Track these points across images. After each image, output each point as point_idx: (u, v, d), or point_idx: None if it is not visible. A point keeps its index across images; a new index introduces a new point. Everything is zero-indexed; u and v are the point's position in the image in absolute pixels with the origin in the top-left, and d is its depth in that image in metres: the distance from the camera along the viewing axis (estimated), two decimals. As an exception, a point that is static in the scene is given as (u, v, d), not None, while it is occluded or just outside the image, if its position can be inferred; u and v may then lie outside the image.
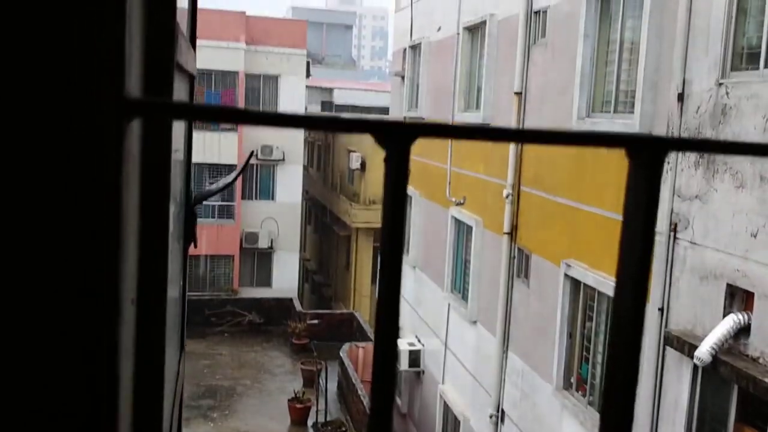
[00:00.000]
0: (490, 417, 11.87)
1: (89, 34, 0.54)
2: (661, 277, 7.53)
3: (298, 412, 18.72)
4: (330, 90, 39.72)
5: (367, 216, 26.56)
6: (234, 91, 27.65)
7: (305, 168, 31.61)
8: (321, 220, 32.88)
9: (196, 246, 1.95)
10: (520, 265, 11.25)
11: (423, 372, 15.64)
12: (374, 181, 26.50)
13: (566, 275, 9.63)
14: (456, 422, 13.50)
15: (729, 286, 6.65)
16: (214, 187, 3.45)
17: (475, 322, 12.92)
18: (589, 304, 9.34)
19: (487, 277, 12.37)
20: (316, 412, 18.53)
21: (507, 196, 11.37)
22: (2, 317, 0.56)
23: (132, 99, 0.59)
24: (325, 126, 0.55)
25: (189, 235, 1.93)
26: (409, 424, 16.63)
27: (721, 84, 6.87)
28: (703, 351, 6.46)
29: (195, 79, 1.83)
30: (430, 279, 15.35)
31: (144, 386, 0.98)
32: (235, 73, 27.51)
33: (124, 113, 0.57)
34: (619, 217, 0.58)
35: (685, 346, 6.93)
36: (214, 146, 26.50)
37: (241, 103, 27.21)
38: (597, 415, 8.97)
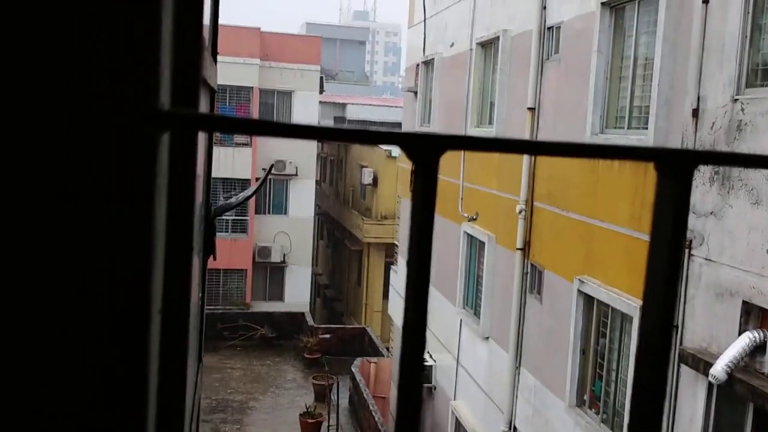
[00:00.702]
0: (503, 434, 11.79)
1: (126, 46, 0.55)
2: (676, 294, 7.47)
3: (310, 426, 18.65)
4: (343, 105, 39.86)
5: (378, 231, 26.56)
6: (248, 107, 27.82)
7: (318, 183, 31.70)
8: (333, 234, 32.91)
9: (215, 258, 1.97)
10: (532, 281, 11.20)
11: (435, 388, 15.57)
12: (386, 197, 26.51)
13: (579, 291, 9.58)
14: (468, 439, 13.42)
15: (745, 303, 6.60)
16: (233, 200, 3.47)
17: (487, 338, 12.86)
18: (603, 320, 9.28)
19: (500, 293, 12.32)
20: (328, 427, 18.46)
21: (520, 212, 11.35)
22: (38, 325, 0.57)
23: (165, 111, 0.60)
24: (354, 138, 0.56)
25: (208, 248, 1.95)
26: (420, 441, 16.52)
27: (736, 100, 6.85)
28: (719, 369, 6.40)
29: (215, 93, 1.86)
30: (442, 294, 15.31)
31: (167, 397, 0.99)
32: (249, 89, 27.68)
33: (158, 125, 0.58)
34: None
35: (701, 364, 6.87)
36: (228, 161, 26.64)
37: (254, 118, 27.32)
38: (611, 433, 8.89)
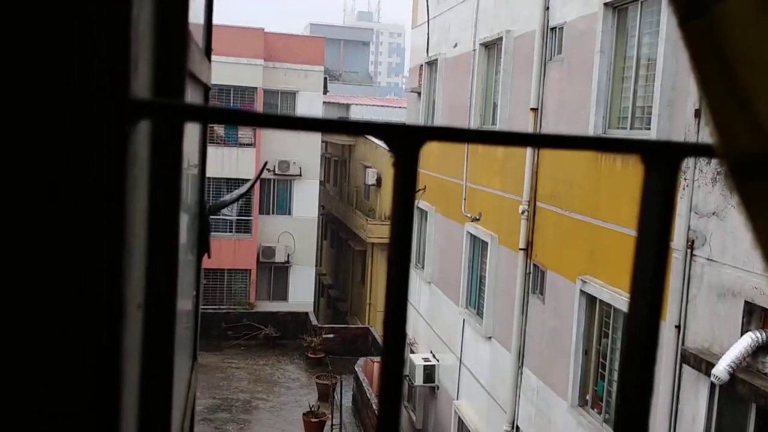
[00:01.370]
0: (505, 434, 11.78)
1: (91, 32, 0.55)
2: (678, 295, 7.46)
3: (313, 426, 18.67)
4: (347, 106, 39.89)
5: (382, 231, 26.55)
6: (252, 107, 27.83)
7: (322, 183, 31.71)
8: (337, 235, 32.92)
9: (210, 257, 1.96)
10: (535, 282, 11.19)
11: (438, 387, 15.56)
12: (390, 197, 26.42)
13: (582, 291, 9.57)
14: (471, 439, 13.42)
15: (747, 303, 6.58)
16: (228, 197, 3.47)
17: (490, 338, 12.85)
18: (605, 320, 9.27)
19: (503, 293, 12.32)
20: (331, 426, 18.47)
21: (523, 212, 11.34)
22: (3, 318, 0.57)
23: (137, 100, 0.60)
24: (332, 128, 0.55)
25: (203, 246, 1.95)
26: (423, 441, 16.53)
27: (738, 100, 6.82)
28: (721, 369, 6.39)
29: (210, 91, 1.86)
30: (445, 295, 15.31)
31: (151, 391, 0.99)
32: (253, 89, 27.71)
33: (128, 114, 0.58)
34: (635, 233, 0.57)
35: (703, 364, 6.85)
36: (233, 161, 26.68)
37: (258, 118, 27.33)
38: (613, 434, 8.87)
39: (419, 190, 15.61)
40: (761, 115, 0.50)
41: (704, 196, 7.26)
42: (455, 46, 15.24)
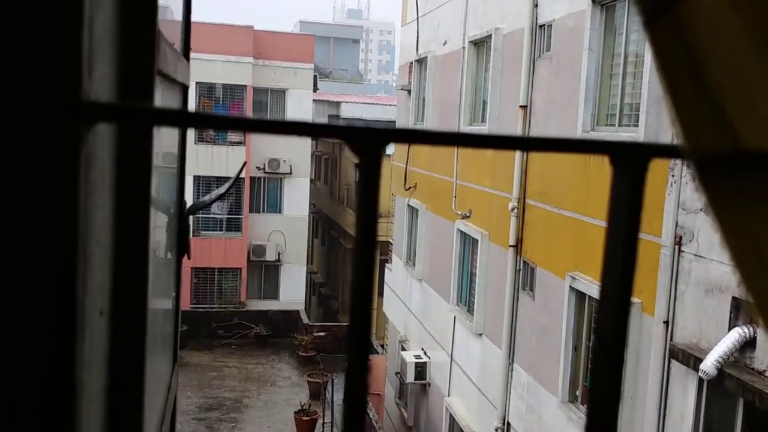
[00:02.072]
0: (496, 430, 11.80)
1: (39, 33, 0.54)
2: (666, 290, 7.49)
3: (305, 424, 18.67)
4: (337, 104, 39.83)
5: (373, 229, 26.53)
6: (242, 105, 27.77)
7: (312, 181, 31.66)
8: (328, 233, 32.90)
9: (189, 258, 1.95)
10: (525, 278, 11.21)
11: (429, 384, 15.58)
12: (380, 195, 26.46)
13: (571, 288, 9.59)
14: (462, 436, 13.44)
15: (734, 299, 6.60)
16: (207, 198, 3.46)
17: (480, 335, 12.87)
18: (594, 316, 9.28)
19: (493, 290, 12.33)
20: (323, 424, 18.47)
21: (512, 210, 11.35)
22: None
23: (89, 102, 0.58)
24: (296, 131, 0.54)
25: (182, 247, 1.93)
26: (415, 438, 16.55)
27: (725, 96, 6.84)
28: (709, 364, 6.41)
29: (188, 90, 1.84)
30: (436, 292, 15.32)
31: (120, 400, 0.97)
32: (243, 87, 27.64)
33: (80, 117, 0.57)
34: (605, 234, 0.56)
35: (691, 360, 6.88)
36: (222, 160, 26.62)
37: (248, 117, 27.30)
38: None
39: (410, 187, 15.65)
40: (730, 114, 0.49)
41: (692, 193, 7.28)
42: (445, 43, 15.24)
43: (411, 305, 16.97)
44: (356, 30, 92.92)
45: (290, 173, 28.48)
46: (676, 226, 7.42)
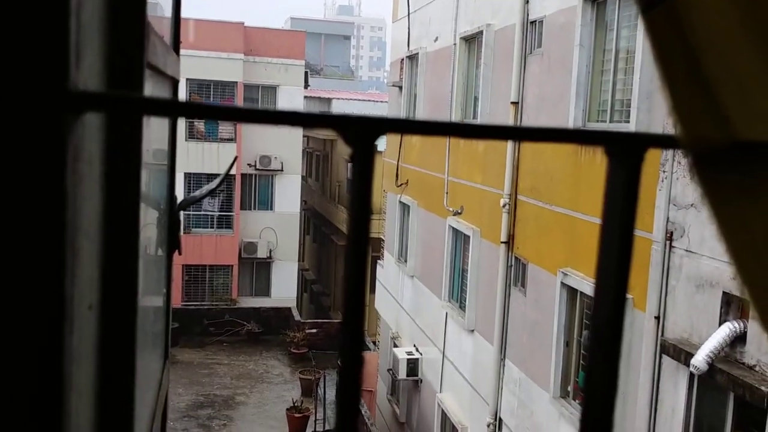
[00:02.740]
0: (488, 426, 11.82)
1: (26, 21, 0.53)
2: (658, 286, 7.51)
3: (297, 421, 18.66)
4: (328, 100, 39.76)
5: (365, 225, 26.52)
6: (232, 101, 27.69)
7: (304, 178, 31.62)
8: (320, 229, 32.86)
9: (180, 253, 1.94)
10: (517, 274, 11.23)
11: (421, 381, 15.59)
12: (373, 192, 26.45)
13: (563, 284, 9.61)
14: (454, 431, 13.45)
15: (725, 294, 6.63)
16: (198, 193, 3.44)
17: (472, 331, 12.88)
18: (586, 312, 9.32)
19: (485, 286, 12.35)
20: (315, 421, 18.46)
21: (504, 206, 11.36)
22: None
23: (77, 92, 0.57)
24: (289, 121, 0.53)
25: (173, 242, 1.92)
26: (407, 435, 16.56)
27: (716, 92, 6.86)
28: (700, 359, 6.43)
29: (178, 84, 1.82)
30: (428, 288, 15.32)
31: (110, 393, 0.96)
32: (233, 84, 27.56)
33: (67, 106, 0.56)
34: (599, 226, 0.56)
35: (682, 354, 6.90)
36: (213, 156, 26.55)
37: (239, 113, 27.23)
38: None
39: (401, 184, 15.66)
40: (726, 105, 0.49)
41: (682, 188, 7.30)
42: (436, 40, 15.23)
43: (403, 302, 16.98)
44: (347, 26, 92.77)
45: (281, 170, 28.43)
46: (667, 221, 7.44)
